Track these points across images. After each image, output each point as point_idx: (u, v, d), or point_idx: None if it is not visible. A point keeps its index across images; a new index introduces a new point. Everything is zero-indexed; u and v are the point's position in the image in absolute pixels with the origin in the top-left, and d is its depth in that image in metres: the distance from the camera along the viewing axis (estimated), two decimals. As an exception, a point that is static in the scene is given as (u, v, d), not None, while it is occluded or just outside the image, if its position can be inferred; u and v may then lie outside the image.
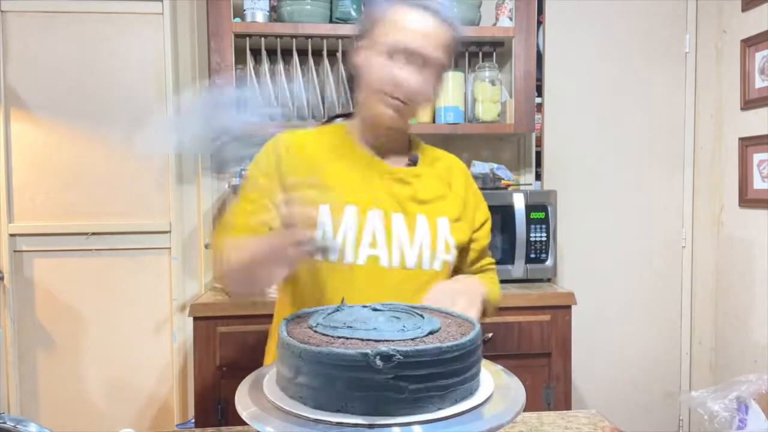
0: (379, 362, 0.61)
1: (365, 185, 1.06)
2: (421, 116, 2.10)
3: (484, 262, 1.20)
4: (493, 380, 0.72)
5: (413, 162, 1.13)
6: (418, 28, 1.00)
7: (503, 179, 2.19)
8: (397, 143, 1.12)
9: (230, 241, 0.98)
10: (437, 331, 0.70)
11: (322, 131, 1.14)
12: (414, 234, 1.05)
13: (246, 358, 1.80)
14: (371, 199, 1.05)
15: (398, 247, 1.04)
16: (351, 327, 0.69)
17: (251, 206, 1.01)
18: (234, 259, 0.95)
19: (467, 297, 0.98)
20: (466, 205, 1.14)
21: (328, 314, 0.77)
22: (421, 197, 1.08)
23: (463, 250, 1.13)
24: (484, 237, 1.18)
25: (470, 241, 1.14)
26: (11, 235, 2.17)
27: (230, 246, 0.98)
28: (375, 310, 0.78)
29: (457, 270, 1.15)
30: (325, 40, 2.06)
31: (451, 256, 1.08)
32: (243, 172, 1.28)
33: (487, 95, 2.18)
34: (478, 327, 0.71)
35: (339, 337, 0.67)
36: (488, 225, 1.19)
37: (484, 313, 1.02)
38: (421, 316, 0.75)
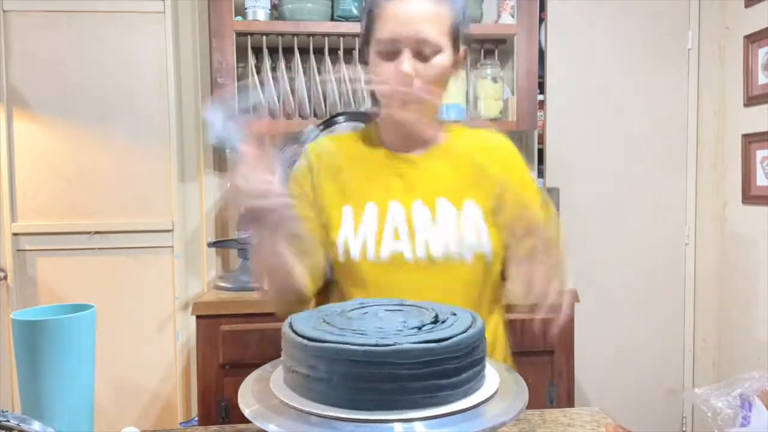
0: (381, 359, 0.61)
1: (382, 181, 1.04)
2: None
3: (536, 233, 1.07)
4: (495, 377, 0.72)
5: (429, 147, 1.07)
6: (405, 15, 0.96)
7: (505, 177, 2.18)
8: (421, 134, 1.06)
9: None
10: (443, 328, 0.70)
11: (352, 136, 1.13)
12: (436, 221, 1.00)
13: (249, 356, 1.80)
14: (389, 192, 1.03)
15: (422, 238, 1.00)
16: (356, 323, 0.69)
17: None
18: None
19: None
20: (504, 186, 1.03)
21: (335, 311, 0.77)
22: (444, 182, 1.04)
23: (509, 231, 1.03)
24: (512, 203, 1.02)
25: (516, 219, 1.02)
26: (14, 234, 2.17)
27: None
28: (383, 306, 0.78)
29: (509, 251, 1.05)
30: (326, 38, 2.06)
31: (485, 247, 1.01)
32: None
33: (489, 93, 2.18)
34: (480, 324, 0.71)
35: (342, 333, 0.67)
36: (523, 193, 1.06)
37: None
38: (434, 314, 0.75)
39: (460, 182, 1.04)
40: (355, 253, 1.00)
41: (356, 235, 1.00)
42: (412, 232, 1.00)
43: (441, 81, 1.01)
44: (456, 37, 1.01)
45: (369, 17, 1.01)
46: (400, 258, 0.99)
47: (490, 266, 1.04)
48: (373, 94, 1.09)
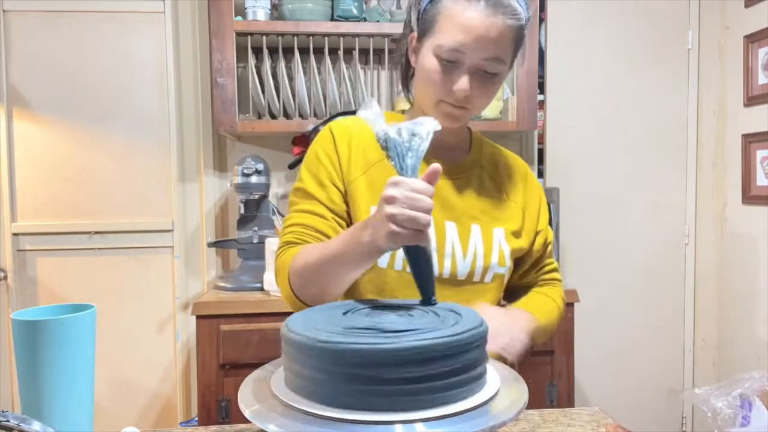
0: (381, 359, 0.61)
1: None
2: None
3: (543, 270, 1.12)
4: (496, 377, 0.72)
5: (463, 165, 1.05)
6: (476, 29, 0.88)
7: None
8: (454, 138, 1.05)
9: (303, 249, 0.93)
10: (444, 328, 0.70)
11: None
12: (468, 245, 0.99)
13: (249, 356, 1.80)
14: None
15: (450, 257, 0.97)
16: (357, 322, 0.69)
17: (309, 219, 0.97)
18: (312, 258, 0.89)
19: (512, 335, 0.91)
20: (525, 215, 1.06)
21: (335, 310, 0.77)
22: (474, 202, 1.02)
23: (518, 259, 1.07)
24: (538, 246, 1.09)
25: (528, 251, 1.07)
26: (14, 234, 2.17)
27: (304, 252, 0.91)
28: (386, 307, 0.78)
29: (514, 277, 1.08)
30: (326, 38, 2.06)
31: (505, 269, 1.02)
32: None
33: (489, 93, 2.18)
34: (484, 326, 0.71)
35: (342, 333, 0.67)
36: (545, 234, 1.10)
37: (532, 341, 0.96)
38: (435, 314, 0.75)
39: (489, 202, 1.03)
40: (383, 261, 0.96)
41: None
42: (441, 249, 0.98)
43: (486, 98, 0.97)
44: (517, 49, 0.97)
45: (431, 11, 0.93)
46: None
47: (504, 283, 1.06)
48: (406, 79, 1.04)
